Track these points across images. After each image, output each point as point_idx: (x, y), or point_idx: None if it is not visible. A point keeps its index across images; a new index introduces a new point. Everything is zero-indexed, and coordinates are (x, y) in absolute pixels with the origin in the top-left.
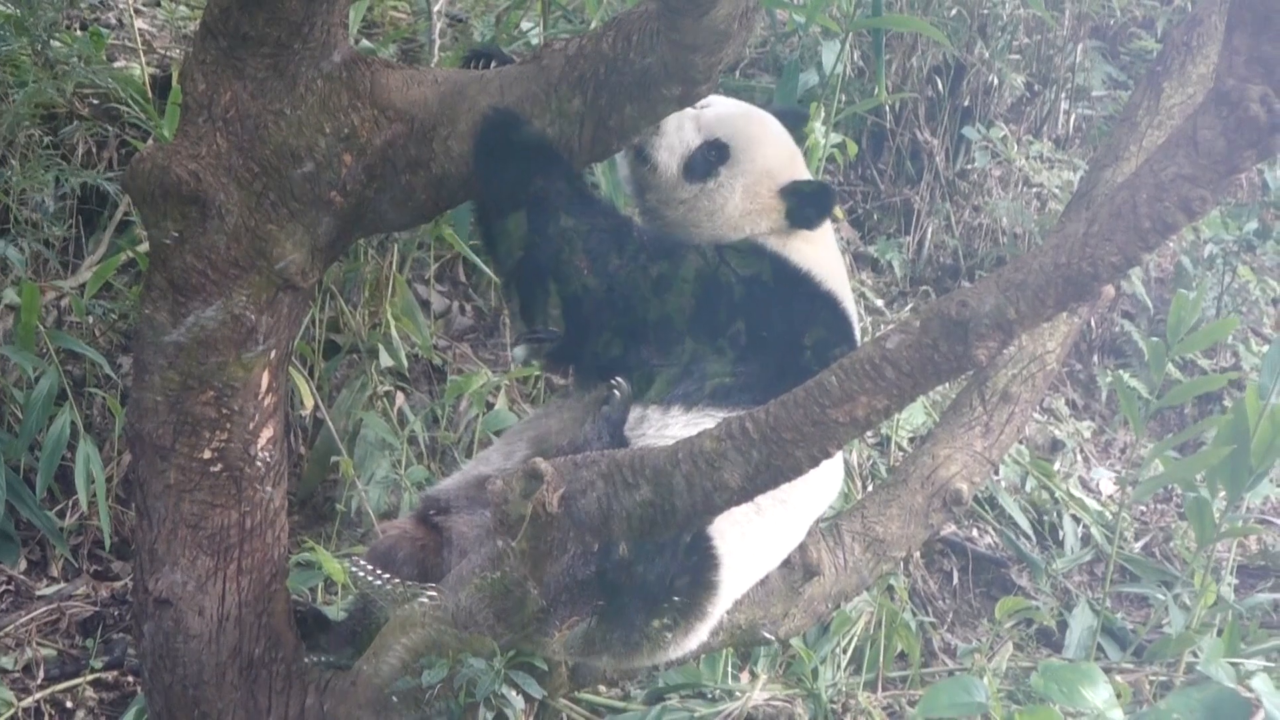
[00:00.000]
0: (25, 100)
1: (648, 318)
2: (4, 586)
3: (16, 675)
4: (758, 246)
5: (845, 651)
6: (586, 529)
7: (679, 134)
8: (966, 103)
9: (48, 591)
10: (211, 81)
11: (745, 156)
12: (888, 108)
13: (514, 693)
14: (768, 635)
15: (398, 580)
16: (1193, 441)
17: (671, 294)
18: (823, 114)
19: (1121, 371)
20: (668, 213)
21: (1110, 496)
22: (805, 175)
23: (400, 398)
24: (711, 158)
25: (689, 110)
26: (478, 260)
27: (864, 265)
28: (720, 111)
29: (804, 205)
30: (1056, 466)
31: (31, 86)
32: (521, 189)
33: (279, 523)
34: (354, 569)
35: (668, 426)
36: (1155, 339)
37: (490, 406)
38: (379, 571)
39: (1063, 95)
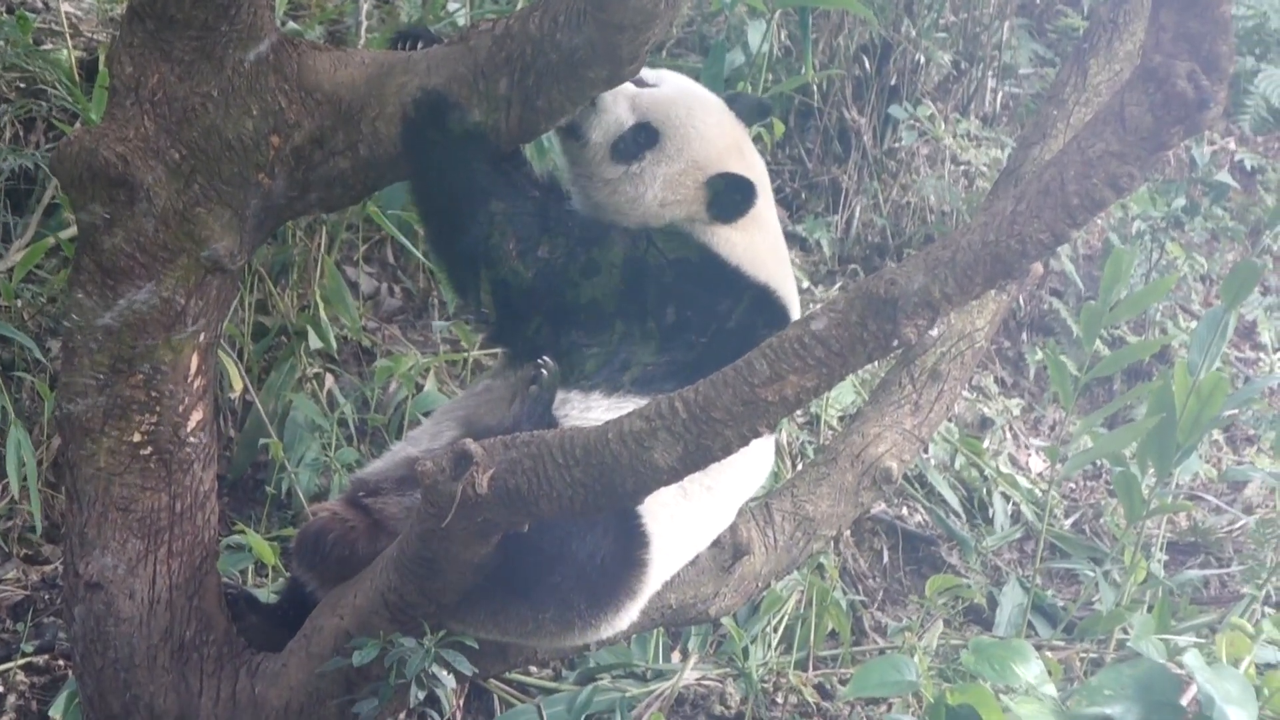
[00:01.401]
0: None
1: (575, 303)
2: None
3: None
4: (684, 234)
5: (776, 630)
6: (516, 509)
7: (614, 112)
8: (894, 81)
9: None
10: (139, 64)
11: (673, 144)
12: (815, 86)
13: (445, 672)
14: (698, 615)
15: None
16: (1122, 417)
17: (598, 279)
18: (750, 93)
19: (1053, 345)
20: (593, 192)
21: (1040, 474)
22: (740, 166)
23: (330, 380)
24: (641, 140)
25: (629, 87)
26: (406, 242)
27: (792, 244)
28: (660, 94)
29: (722, 198)
30: (986, 444)
31: None
32: (449, 172)
33: (209, 505)
34: None
35: (589, 410)
36: (1091, 302)
37: (419, 388)
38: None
39: (990, 73)
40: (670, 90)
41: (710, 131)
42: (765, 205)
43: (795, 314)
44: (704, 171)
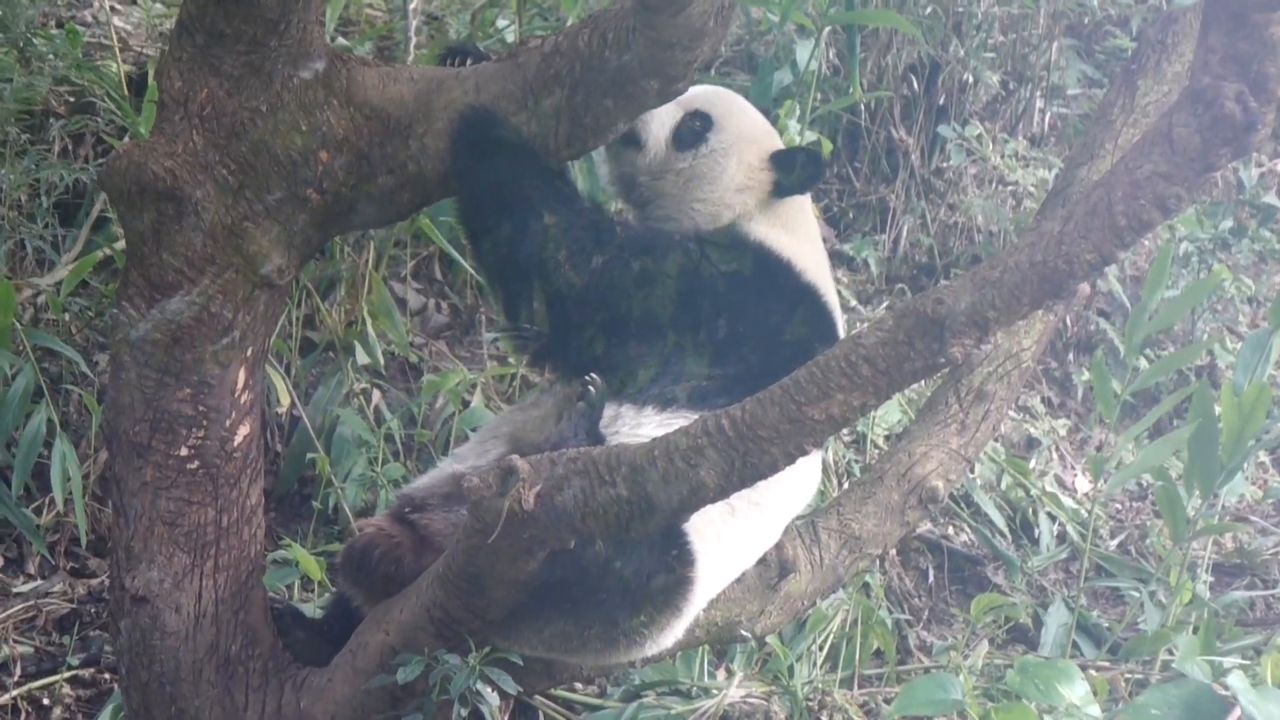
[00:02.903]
0: (13, 96)
1: (629, 314)
2: None
3: None
4: (740, 237)
5: (821, 649)
6: (562, 526)
7: (662, 112)
8: (942, 101)
9: (24, 589)
10: (188, 79)
11: (728, 127)
12: (863, 106)
13: (489, 689)
14: (744, 633)
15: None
16: (1164, 431)
17: (652, 289)
18: (798, 112)
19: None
20: (664, 186)
21: (1085, 494)
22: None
23: (377, 395)
24: (697, 126)
25: None
26: (457, 255)
27: (839, 263)
28: (695, 90)
29: (794, 171)
30: (1032, 464)
31: (19, 82)
32: (499, 187)
33: (255, 520)
34: None
35: (641, 426)
36: (1135, 309)
37: (466, 404)
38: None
39: (1038, 93)
40: (700, 88)
41: (753, 114)
42: (808, 217)
43: (839, 321)
44: (761, 147)
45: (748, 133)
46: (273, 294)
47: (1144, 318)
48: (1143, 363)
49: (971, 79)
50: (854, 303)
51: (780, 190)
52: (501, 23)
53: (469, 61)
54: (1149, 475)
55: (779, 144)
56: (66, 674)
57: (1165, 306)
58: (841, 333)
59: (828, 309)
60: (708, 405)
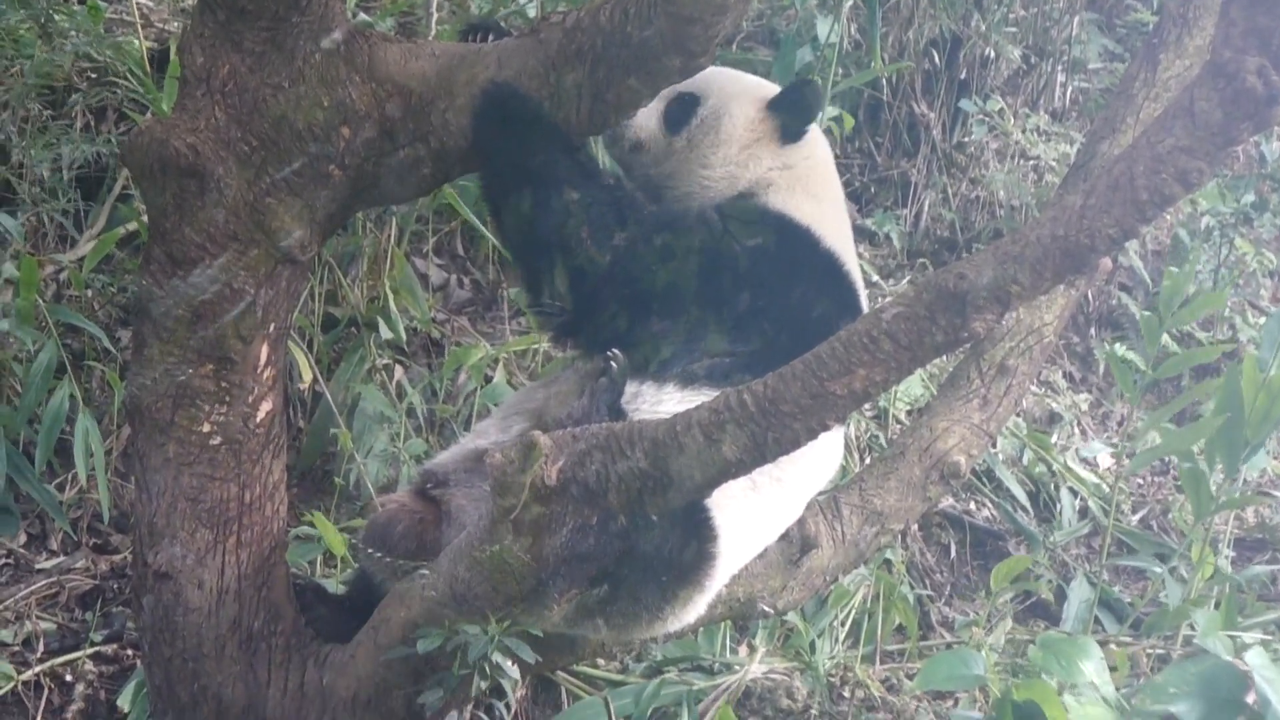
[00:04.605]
0: (33, 71)
1: (651, 289)
2: (3, 560)
3: (16, 649)
4: (761, 208)
5: (843, 624)
6: (584, 501)
7: (644, 111)
8: (963, 75)
9: (47, 565)
10: (210, 55)
11: (712, 91)
12: (884, 81)
13: (509, 662)
14: (766, 608)
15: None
16: (1189, 413)
17: (674, 264)
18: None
19: (1117, 345)
20: (671, 168)
21: (1107, 469)
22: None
23: (399, 371)
24: (687, 103)
25: None
26: (481, 227)
27: (861, 238)
28: None
29: (795, 106)
30: (1054, 439)
31: (40, 58)
32: (521, 163)
33: (278, 496)
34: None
35: (662, 402)
36: (1149, 313)
37: (488, 379)
38: (378, 555)
39: (1059, 68)
40: None
41: (737, 74)
42: (829, 177)
43: (859, 288)
44: (758, 98)
45: (735, 90)
46: (295, 270)
47: (1159, 326)
48: (1166, 337)
49: (993, 53)
50: (876, 277)
51: (787, 132)
52: None
53: (490, 38)
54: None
55: (774, 91)
56: (89, 650)
57: (1186, 306)
58: (863, 300)
59: (848, 277)
60: (729, 381)
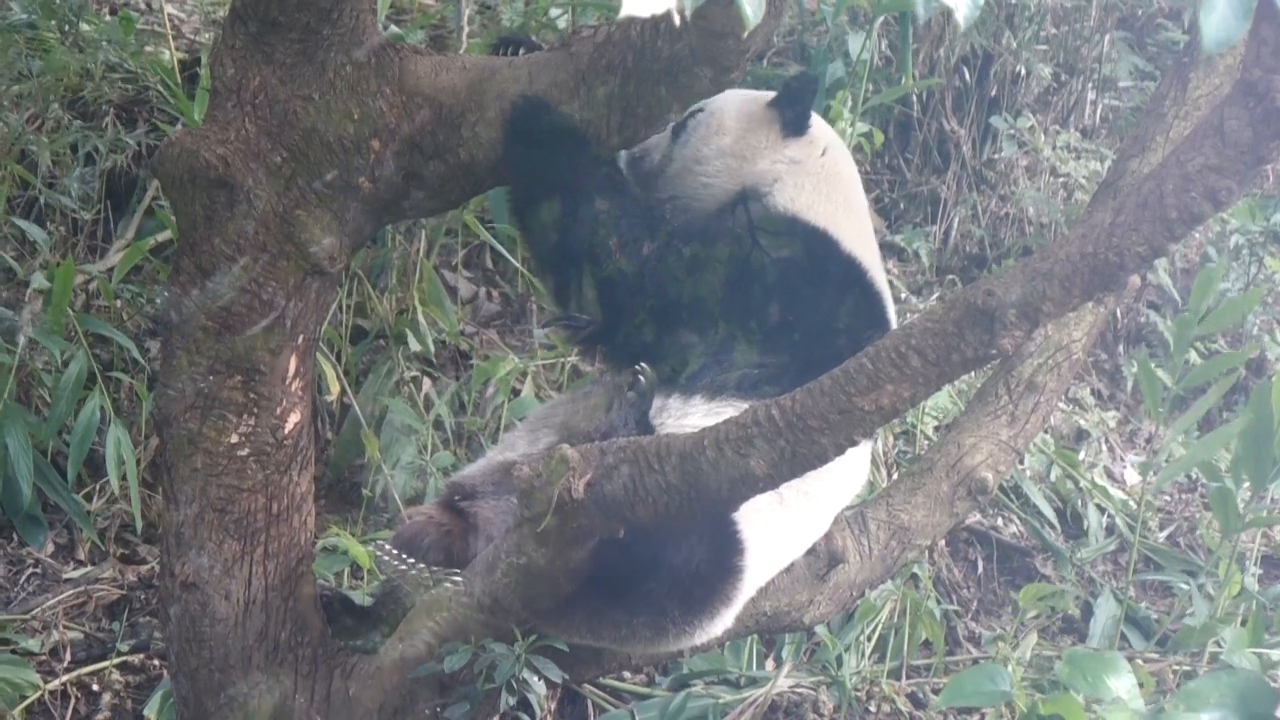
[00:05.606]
0: (50, 72)
1: (678, 301)
2: (31, 569)
3: (43, 658)
4: (789, 219)
5: (870, 639)
6: (612, 515)
7: (652, 140)
8: (994, 92)
9: (75, 575)
10: (241, 67)
11: (717, 99)
12: (915, 97)
13: (535, 677)
14: (792, 622)
15: (423, 565)
16: (1216, 422)
17: (702, 276)
18: (850, 103)
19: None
20: (673, 172)
21: (1134, 486)
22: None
23: (427, 383)
24: (691, 111)
25: None
26: (502, 250)
27: (890, 254)
28: None
29: (788, 101)
30: (1081, 456)
31: (56, 61)
32: (552, 175)
33: (305, 507)
34: (380, 554)
35: (688, 415)
36: (1184, 314)
37: (516, 392)
38: (404, 556)
39: (1090, 85)
40: None
41: (748, 92)
42: (848, 183)
43: (881, 289)
44: (756, 98)
45: (737, 96)
46: (324, 281)
47: (1190, 326)
48: (1192, 354)
49: (1024, 71)
50: (905, 293)
51: (788, 124)
52: (554, 12)
53: (521, 51)
54: (1198, 470)
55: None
56: (116, 660)
57: (1215, 311)
58: (887, 302)
59: (866, 277)
60: (756, 395)
